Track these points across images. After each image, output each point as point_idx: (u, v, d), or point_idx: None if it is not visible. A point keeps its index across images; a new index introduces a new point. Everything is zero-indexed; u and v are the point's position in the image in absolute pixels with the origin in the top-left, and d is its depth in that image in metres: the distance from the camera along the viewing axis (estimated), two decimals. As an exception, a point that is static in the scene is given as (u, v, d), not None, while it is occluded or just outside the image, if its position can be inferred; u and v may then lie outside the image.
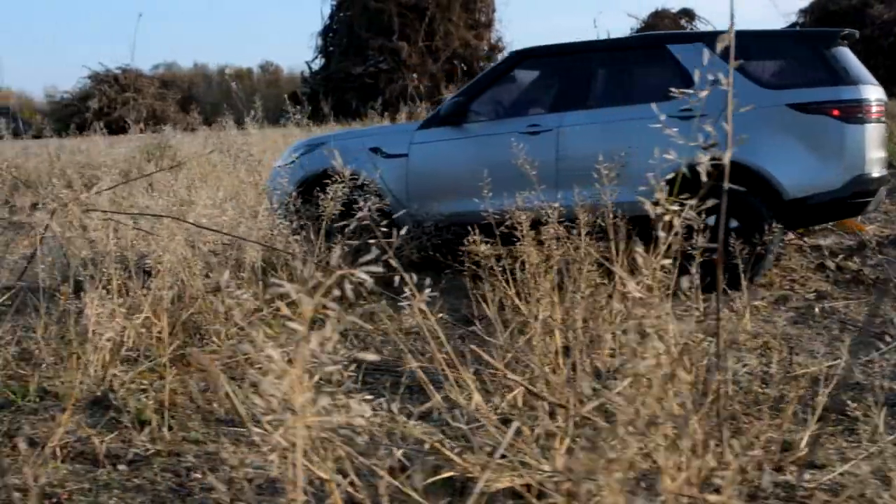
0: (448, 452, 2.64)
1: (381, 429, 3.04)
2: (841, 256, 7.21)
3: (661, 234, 2.36)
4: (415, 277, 2.68)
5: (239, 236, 5.08)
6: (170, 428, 3.73)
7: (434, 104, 25.24)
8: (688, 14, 43.42)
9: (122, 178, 9.25)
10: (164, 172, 8.41)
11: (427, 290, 2.52)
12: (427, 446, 2.84)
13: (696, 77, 6.71)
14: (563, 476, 2.73)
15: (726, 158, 2.32)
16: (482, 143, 6.90)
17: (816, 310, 5.72)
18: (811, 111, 6.30)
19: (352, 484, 2.42)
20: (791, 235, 7.77)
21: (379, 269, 1.91)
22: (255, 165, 9.45)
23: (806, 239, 7.96)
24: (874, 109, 6.41)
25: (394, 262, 2.50)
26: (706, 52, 6.85)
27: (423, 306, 2.61)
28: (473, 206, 6.03)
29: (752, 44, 6.70)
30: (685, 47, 6.64)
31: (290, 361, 2.83)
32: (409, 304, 2.59)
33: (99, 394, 4.00)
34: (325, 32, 39.32)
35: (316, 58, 40.42)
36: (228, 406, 4.01)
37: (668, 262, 2.46)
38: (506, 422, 3.08)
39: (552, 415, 3.14)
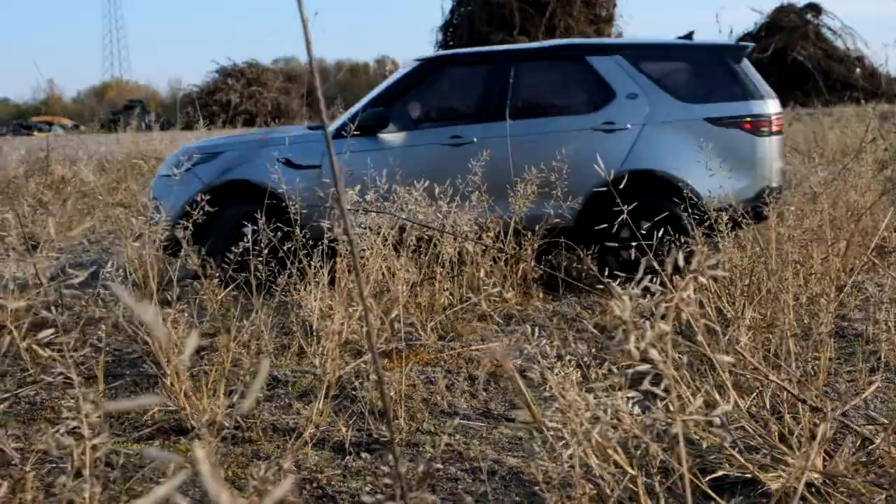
0: (731, 451, 2.69)
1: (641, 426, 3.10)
2: None
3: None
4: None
5: (448, 231, 5.20)
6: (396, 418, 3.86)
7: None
8: (814, 8, 42.26)
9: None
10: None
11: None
12: (705, 445, 2.90)
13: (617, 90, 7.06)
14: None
15: None
16: (403, 154, 6.65)
17: None
18: (726, 125, 6.56)
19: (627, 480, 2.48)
20: None
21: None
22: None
23: None
24: (777, 122, 6.70)
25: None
26: (625, 65, 7.18)
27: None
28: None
29: (667, 58, 6.99)
30: (604, 59, 6.75)
31: (559, 358, 2.93)
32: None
33: (327, 383, 4.15)
34: (446, 27, 39.52)
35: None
36: (450, 399, 4.13)
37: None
38: (756, 422, 3.12)
39: (795, 417, 3.16)
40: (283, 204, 6.27)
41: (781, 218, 5.23)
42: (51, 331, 2.04)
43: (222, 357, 3.97)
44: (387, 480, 3.15)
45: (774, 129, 6.66)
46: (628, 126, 6.56)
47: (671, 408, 2.16)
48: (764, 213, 6.35)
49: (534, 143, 6.56)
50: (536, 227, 6.08)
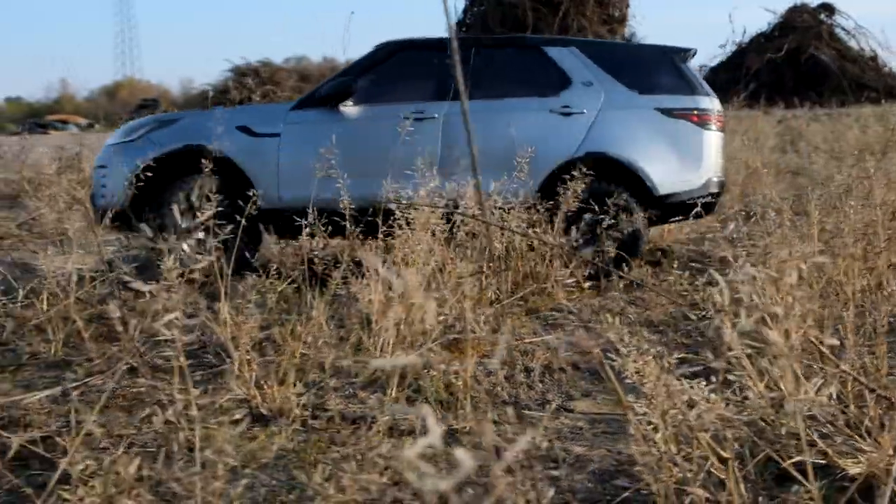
0: (812, 436, 2.76)
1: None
2: None
3: None
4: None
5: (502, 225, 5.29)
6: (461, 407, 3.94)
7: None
8: (827, 8, 42.19)
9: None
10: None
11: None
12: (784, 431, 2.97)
13: (574, 77, 7.58)
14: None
15: None
16: (365, 125, 6.89)
17: None
18: (676, 115, 6.93)
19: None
20: None
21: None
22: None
23: None
24: (719, 119, 7.08)
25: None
26: (580, 56, 7.65)
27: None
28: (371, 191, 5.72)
29: (619, 53, 7.75)
30: (560, 49, 7.17)
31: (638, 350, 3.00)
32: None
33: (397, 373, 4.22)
34: (459, 27, 39.58)
35: (449, 52, 40.72)
36: (510, 390, 4.22)
37: None
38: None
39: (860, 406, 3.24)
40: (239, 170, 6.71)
41: (823, 212, 5.29)
42: (176, 313, 2.11)
43: (292, 346, 4.06)
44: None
45: (718, 125, 7.04)
46: (584, 111, 6.91)
47: (784, 391, 2.25)
48: (710, 204, 6.70)
49: (492, 121, 6.82)
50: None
